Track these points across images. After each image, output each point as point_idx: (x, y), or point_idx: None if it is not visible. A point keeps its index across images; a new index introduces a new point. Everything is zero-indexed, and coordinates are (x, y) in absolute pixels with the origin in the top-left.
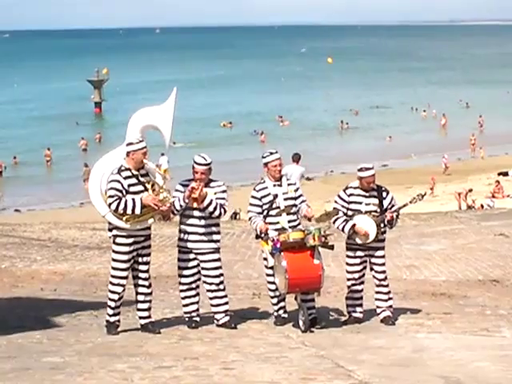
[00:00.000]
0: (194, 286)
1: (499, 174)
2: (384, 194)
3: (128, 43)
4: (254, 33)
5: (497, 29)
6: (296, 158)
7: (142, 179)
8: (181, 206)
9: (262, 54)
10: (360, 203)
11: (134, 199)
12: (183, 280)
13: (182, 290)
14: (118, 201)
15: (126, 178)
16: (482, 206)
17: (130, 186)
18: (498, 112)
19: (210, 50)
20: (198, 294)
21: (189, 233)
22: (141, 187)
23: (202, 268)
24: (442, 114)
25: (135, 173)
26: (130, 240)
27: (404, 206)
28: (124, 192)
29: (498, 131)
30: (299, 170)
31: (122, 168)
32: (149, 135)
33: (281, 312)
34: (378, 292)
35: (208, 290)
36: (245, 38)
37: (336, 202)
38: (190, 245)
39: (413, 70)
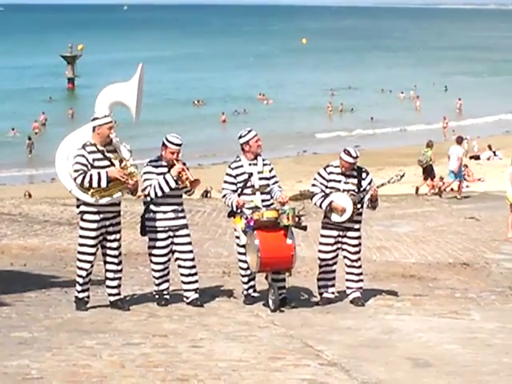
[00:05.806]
0: (167, 264)
1: (471, 158)
2: (363, 175)
3: (96, 19)
4: (225, 11)
5: (473, 13)
6: (459, 140)
7: (108, 155)
8: (163, 191)
9: (234, 33)
10: (339, 181)
11: (99, 172)
12: (157, 259)
13: (155, 270)
14: (83, 175)
15: (90, 152)
16: (452, 190)
17: (94, 160)
18: (472, 95)
19: (183, 28)
20: (169, 273)
21: (165, 211)
22: (106, 162)
23: (176, 244)
24: (416, 96)
25: (101, 148)
26: (98, 217)
27: (382, 185)
28: (89, 166)
29: (471, 114)
30: (458, 151)
31: (88, 143)
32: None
33: (251, 291)
34: (349, 273)
35: (182, 267)
36: (216, 16)
37: (315, 179)
38: (166, 223)
39: (386, 51)
